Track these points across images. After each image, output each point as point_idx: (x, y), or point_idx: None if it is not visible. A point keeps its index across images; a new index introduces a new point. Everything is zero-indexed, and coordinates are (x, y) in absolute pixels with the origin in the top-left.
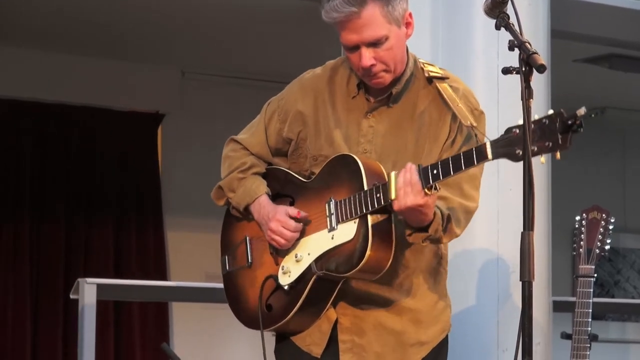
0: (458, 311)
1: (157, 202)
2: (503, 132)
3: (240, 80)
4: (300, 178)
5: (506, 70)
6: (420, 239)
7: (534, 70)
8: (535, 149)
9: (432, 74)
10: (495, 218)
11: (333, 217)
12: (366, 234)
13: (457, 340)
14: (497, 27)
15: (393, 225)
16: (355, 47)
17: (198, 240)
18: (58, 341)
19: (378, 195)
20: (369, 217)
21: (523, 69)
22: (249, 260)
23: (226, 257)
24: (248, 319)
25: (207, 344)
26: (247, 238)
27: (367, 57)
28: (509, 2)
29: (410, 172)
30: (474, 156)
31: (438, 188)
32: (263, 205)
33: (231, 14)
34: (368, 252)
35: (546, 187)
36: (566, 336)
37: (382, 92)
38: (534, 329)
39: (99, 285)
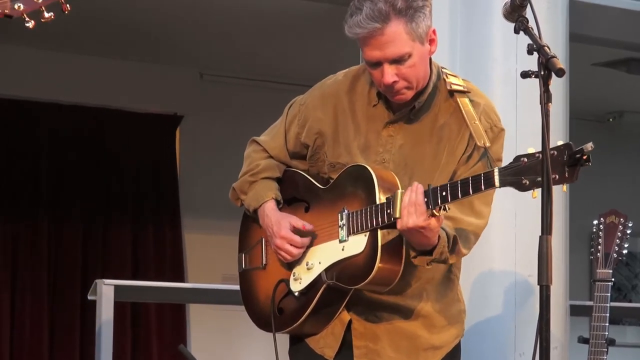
0: (475, 315)
1: (175, 203)
2: (512, 160)
3: (257, 82)
4: (317, 184)
5: (525, 74)
6: (424, 262)
7: (553, 74)
8: (541, 179)
9: (454, 86)
10: (513, 222)
11: (345, 228)
12: (375, 248)
13: (475, 343)
14: (516, 31)
15: (404, 239)
16: (378, 63)
17: (215, 242)
18: (75, 342)
19: (389, 210)
20: (379, 232)
21: (542, 72)
22: (264, 262)
23: (243, 256)
24: (260, 320)
25: (225, 346)
26: (263, 239)
27: (390, 74)
28: (528, 6)
29: (416, 192)
30: (481, 182)
31: (447, 209)
32: (267, 214)
33: (248, 18)
34: (377, 266)
35: (564, 192)
36: (583, 340)
37: (404, 105)
38: (551, 333)
39: (116, 287)
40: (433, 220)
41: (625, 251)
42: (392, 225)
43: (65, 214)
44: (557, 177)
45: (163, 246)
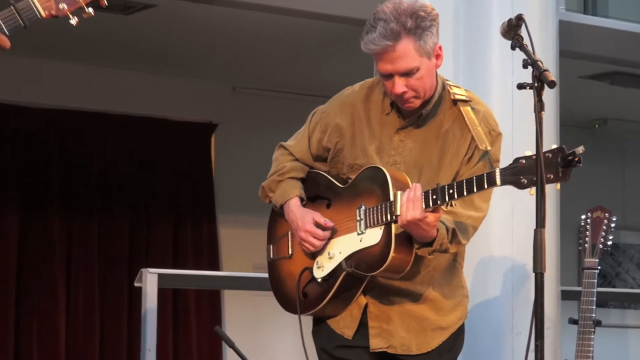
0: (478, 299)
1: (211, 201)
2: (512, 162)
3: (283, 94)
4: (337, 183)
5: (520, 86)
6: (427, 253)
7: (545, 86)
8: (534, 179)
9: (457, 96)
10: (510, 217)
11: (362, 222)
12: (389, 239)
13: (477, 325)
14: (513, 48)
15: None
16: (390, 76)
17: (246, 235)
18: (124, 324)
19: (392, 209)
20: (393, 225)
21: (536, 84)
22: (290, 252)
23: (271, 247)
24: (286, 304)
25: (255, 327)
26: (289, 232)
27: (400, 85)
28: (523, 25)
29: (415, 190)
30: (484, 181)
31: (454, 204)
32: (292, 209)
33: (276, 37)
34: (391, 255)
35: (555, 190)
36: (573, 322)
37: (413, 112)
38: (545, 315)
39: (160, 275)
40: (430, 215)
41: (610, 242)
42: (397, 221)
43: (114, 211)
44: (552, 176)
45: (200, 239)
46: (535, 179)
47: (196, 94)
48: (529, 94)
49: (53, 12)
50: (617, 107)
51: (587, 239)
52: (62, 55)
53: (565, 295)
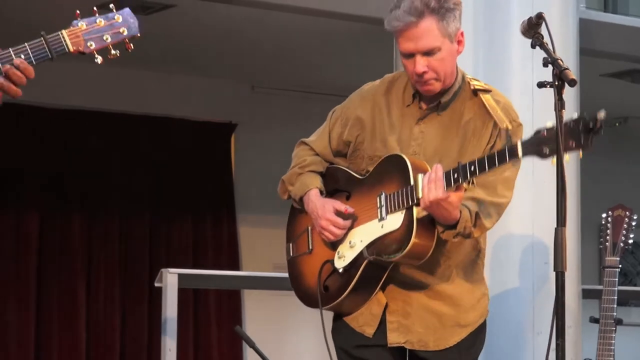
0: (498, 298)
1: (231, 201)
2: (532, 134)
3: (302, 93)
4: (356, 175)
5: (541, 84)
6: (451, 236)
7: (566, 84)
8: (561, 147)
9: (477, 87)
10: (531, 215)
11: (383, 209)
12: (411, 223)
13: (497, 324)
14: (533, 46)
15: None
16: (411, 55)
17: (266, 234)
18: (144, 324)
19: (419, 197)
20: (414, 209)
21: (556, 83)
22: (310, 247)
23: (290, 245)
24: (307, 299)
25: (276, 327)
26: (309, 228)
27: (421, 64)
28: (543, 24)
29: (436, 171)
30: (506, 154)
31: (475, 183)
32: (312, 199)
33: (294, 37)
34: (412, 240)
35: (576, 188)
36: (594, 320)
37: (433, 100)
38: (566, 314)
39: (180, 275)
40: (452, 195)
41: (631, 241)
42: (419, 204)
43: (134, 210)
44: (574, 144)
45: (220, 239)
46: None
47: (216, 93)
48: (550, 92)
49: (80, 49)
50: (638, 105)
51: (608, 237)
52: (83, 56)
53: (586, 294)
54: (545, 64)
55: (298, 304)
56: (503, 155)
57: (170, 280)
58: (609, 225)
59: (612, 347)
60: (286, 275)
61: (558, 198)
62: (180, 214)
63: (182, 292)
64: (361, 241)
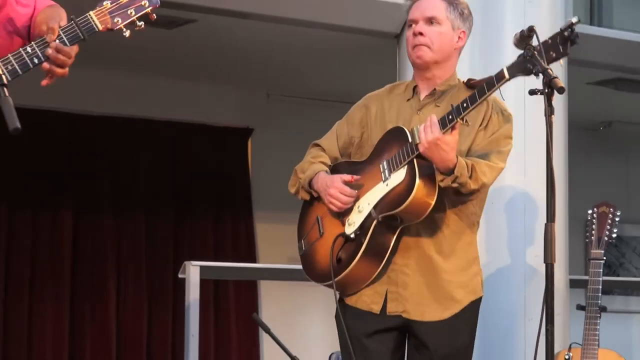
0: (494, 288)
1: (248, 199)
2: (517, 57)
3: (312, 100)
4: (358, 160)
5: (532, 92)
6: (450, 182)
7: (555, 92)
8: (544, 61)
9: (470, 82)
10: (522, 212)
11: (386, 171)
12: (414, 173)
13: (491, 311)
14: (525, 56)
15: (436, 178)
16: (415, 23)
17: (281, 229)
18: (169, 313)
19: (417, 142)
20: (415, 162)
21: (546, 90)
22: (321, 232)
23: (302, 242)
24: (321, 277)
25: (290, 315)
26: (318, 217)
27: (420, 26)
28: (534, 36)
29: (431, 119)
30: (494, 80)
31: (469, 123)
32: (321, 177)
33: (307, 47)
34: (417, 183)
35: (564, 186)
36: (580, 308)
37: (430, 89)
38: (555, 302)
39: (201, 267)
40: (448, 135)
41: (614, 235)
42: (419, 154)
43: (160, 209)
44: (555, 54)
45: (239, 234)
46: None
47: (234, 101)
48: (540, 99)
49: (109, 26)
50: (621, 110)
51: (593, 232)
52: (112, 66)
53: (573, 284)
54: (536, 73)
55: (310, 293)
56: (491, 82)
57: (192, 271)
58: (594, 220)
59: (597, 333)
60: (299, 267)
61: (547, 196)
62: (202, 212)
63: (203, 282)
64: (368, 204)
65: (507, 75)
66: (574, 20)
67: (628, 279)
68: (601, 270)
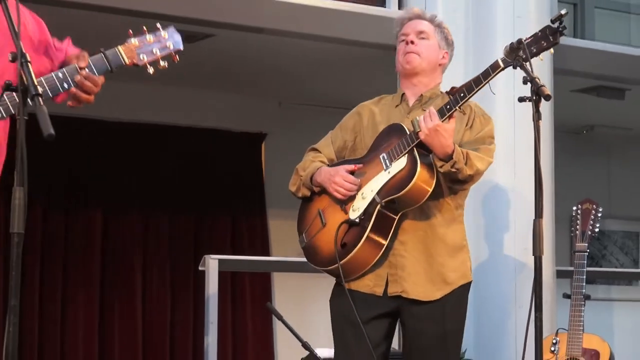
0: (487, 278)
1: (262, 199)
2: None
3: (321, 107)
4: (355, 158)
5: (521, 99)
6: (449, 167)
7: (542, 99)
8: (535, 50)
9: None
10: (512, 208)
11: (387, 161)
12: (415, 160)
13: (483, 299)
14: (514, 67)
15: (433, 161)
16: (406, 36)
17: (292, 226)
18: (190, 302)
19: (418, 131)
20: (415, 150)
21: (534, 97)
22: (324, 223)
23: (303, 235)
24: (329, 265)
25: (301, 305)
26: (320, 210)
27: (412, 36)
28: (523, 48)
29: (430, 110)
30: (489, 70)
31: (465, 112)
32: (324, 170)
33: (317, 59)
34: (418, 168)
35: (551, 185)
36: (566, 296)
37: (417, 95)
38: (543, 291)
39: (220, 260)
40: (447, 123)
41: (597, 229)
42: (420, 143)
43: (182, 208)
44: (545, 44)
45: (254, 230)
46: (533, 50)
47: (248, 108)
48: (528, 105)
49: (135, 61)
50: (602, 115)
51: (577, 226)
52: (138, 78)
53: (560, 274)
54: (524, 82)
55: (319, 284)
56: (486, 72)
57: (211, 264)
58: (578, 216)
59: (582, 319)
60: None
61: (536, 194)
62: (220, 211)
63: (221, 274)
64: (372, 190)
65: (501, 65)
66: (563, 12)
67: (610, 269)
68: (585, 261)
